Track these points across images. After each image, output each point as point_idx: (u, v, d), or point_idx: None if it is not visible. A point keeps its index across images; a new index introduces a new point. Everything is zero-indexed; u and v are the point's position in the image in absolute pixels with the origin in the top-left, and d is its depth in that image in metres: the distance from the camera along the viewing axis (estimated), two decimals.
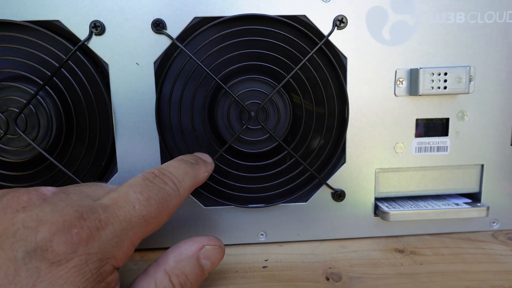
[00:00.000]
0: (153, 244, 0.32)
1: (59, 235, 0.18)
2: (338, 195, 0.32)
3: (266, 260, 0.30)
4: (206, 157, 0.29)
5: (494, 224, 0.34)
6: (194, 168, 0.26)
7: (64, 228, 0.18)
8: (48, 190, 0.20)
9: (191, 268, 0.22)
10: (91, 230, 0.18)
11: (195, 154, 0.29)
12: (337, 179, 0.32)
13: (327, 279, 0.27)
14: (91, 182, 0.26)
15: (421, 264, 0.29)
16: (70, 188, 0.22)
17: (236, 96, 0.30)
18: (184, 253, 0.22)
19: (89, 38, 0.29)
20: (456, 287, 0.25)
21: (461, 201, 0.34)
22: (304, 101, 0.31)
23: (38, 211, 0.18)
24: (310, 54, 0.30)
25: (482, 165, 0.33)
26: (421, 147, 0.32)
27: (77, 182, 0.30)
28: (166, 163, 0.25)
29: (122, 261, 0.20)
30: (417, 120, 0.32)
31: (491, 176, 0.33)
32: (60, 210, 0.19)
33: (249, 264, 0.29)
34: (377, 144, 0.32)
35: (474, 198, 0.34)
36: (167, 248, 0.33)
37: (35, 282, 0.16)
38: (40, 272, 0.17)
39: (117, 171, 0.31)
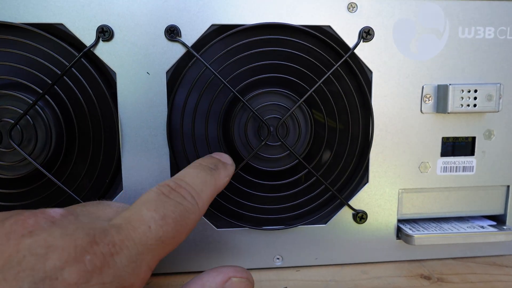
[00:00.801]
0: (159, 269, 0.29)
1: (70, 262, 0.15)
2: (360, 217, 0.30)
3: None
4: (226, 158, 0.26)
5: None
6: (213, 174, 0.23)
7: (76, 254, 0.16)
8: (56, 212, 0.18)
9: None
10: (105, 256, 0.16)
11: (213, 155, 0.26)
12: (359, 200, 0.30)
13: None
14: (96, 200, 0.23)
15: None
16: (78, 209, 0.20)
17: (255, 110, 0.28)
18: (207, 286, 0.20)
19: (95, 44, 0.27)
20: None
21: (485, 223, 0.32)
22: (326, 117, 0.29)
23: (46, 236, 0.16)
24: (335, 67, 0.28)
25: (508, 186, 0.32)
26: (446, 166, 0.31)
27: (78, 201, 0.28)
28: (182, 172, 0.23)
29: None
30: (442, 138, 0.30)
31: None
32: (70, 234, 0.16)
33: None
34: (402, 163, 0.30)
35: (498, 220, 0.33)
36: (174, 274, 0.31)
37: None
38: None
39: (122, 189, 0.28)
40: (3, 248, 0.15)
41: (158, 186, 0.21)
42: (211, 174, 0.23)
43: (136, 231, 0.18)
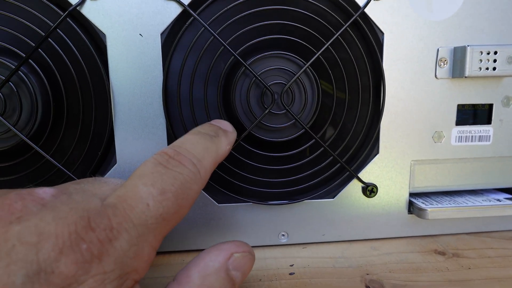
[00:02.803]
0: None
1: (66, 252, 0.14)
2: (370, 190, 0.29)
3: (291, 266, 0.26)
4: (226, 125, 0.24)
5: None
6: (215, 141, 0.21)
7: (71, 242, 0.14)
8: (46, 192, 0.16)
9: (221, 283, 0.18)
10: (102, 243, 0.14)
11: (212, 122, 0.24)
12: (369, 172, 0.29)
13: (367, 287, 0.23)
14: (91, 177, 0.21)
15: (470, 268, 0.25)
16: (71, 187, 0.18)
17: (258, 75, 0.26)
18: (211, 266, 0.18)
19: (82, 2, 0.24)
20: None
21: (501, 196, 0.31)
22: (334, 83, 0.27)
23: (37, 221, 0.14)
24: (343, 28, 0.26)
25: None
26: (461, 136, 0.29)
27: (68, 175, 0.26)
28: (180, 139, 0.21)
29: (144, 271, 0.16)
30: (458, 106, 0.29)
31: None
32: (64, 217, 0.15)
33: (273, 271, 0.25)
34: (414, 133, 0.28)
35: None
36: (173, 252, 0.29)
37: None
38: None
39: (116, 162, 0.26)
40: None
41: (155, 156, 0.19)
42: (211, 140, 0.21)
43: (134, 211, 0.16)
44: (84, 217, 0.15)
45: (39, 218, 0.14)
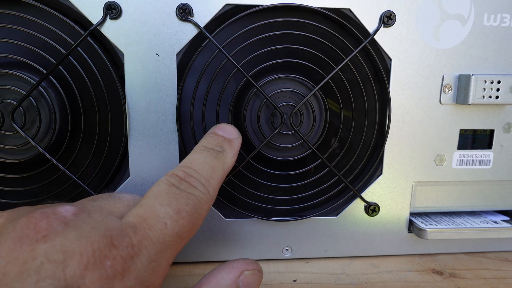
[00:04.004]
0: None
1: (91, 269, 0.15)
2: (372, 209, 0.30)
3: (294, 281, 0.27)
4: (231, 132, 0.24)
5: None
6: (220, 158, 0.22)
7: (95, 260, 0.15)
8: (67, 211, 0.17)
9: None
10: (125, 260, 0.15)
11: (217, 130, 0.24)
12: (372, 192, 0.30)
13: None
14: (105, 193, 0.22)
15: None
16: (88, 205, 0.19)
17: (269, 97, 0.26)
18: (222, 284, 0.19)
19: (102, 22, 0.25)
20: None
21: (498, 218, 0.32)
22: (342, 106, 0.28)
23: (62, 240, 0.15)
24: (353, 54, 0.27)
25: None
26: (463, 160, 0.30)
27: (82, 187, 0.27)
28: (188, 158, 0.22)
29: (160, 285, 0.18)
30: (460, 130, 0.29)
31: None
32: (86, 237, 0.15)
33: (277, 285, 0.26)
34: (417, 155, 0.29)
35: (510, 215, 0.32)
36: (181, 263, 0.30)
37: None
38: None
39: (129, 176, 0.27)
40: (17, 254, 0.15)
41: (166, 177, 0.20)
42: (217, 157, 0.22)
43: (153, 229, 0.17)
44: (107, 236, 0.16)
45: (63, 236, 0.15)
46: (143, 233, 0.17)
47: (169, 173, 0.20)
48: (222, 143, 0.23)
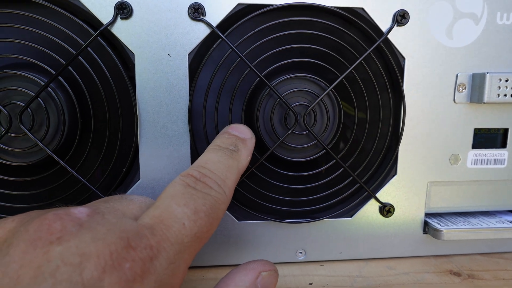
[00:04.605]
0: None
1: (109, 272, 0.14)
2: (387, 210, 0.29)
3: (310, 284, 0.26)
4: (245, 132, 0.24)
5: None
6: (235, 157, 0.22)
7: (113, 262, 0.14)
8: (81, 212, 0.16)
9: None
10: (144, 262, 0.15)
11: (231, 130, 0.24)
12: (386, 193, 0.29)
13: None
14: (117, 195, 0.21)
15: None
16: (102, 206, 0.18)
17: (282, 97, 0.26)
18: (241, 286, 0.18)
19: (113, 21, 0.25)
20: None
21: None
22: (356, 105, 0.28)
23: (77, 242, 0.14)
24: (367, 53, 0.26)
25: None
26: (477, 159, 0.30)
27: (92, 190, 0.26)
28: (202, 158, 0.21)
29: (179, 287, 0.17)
30: (474, 130, 0.29)
31: None
32: (102, 238, 0.15)
33: None
34: (432, 155, 0.29)
35: None
36: (193, 268, 0.29)
37: None
38: None
39: (139, 178, 0.27)
40: (31, 257, 0.14)
41: (181, 177, 0.19)
42: (232, 157, 0.22)
43: (171, 230, 0.16)
44: (123, 238, 0.15)
45: (78, 238, 0.15)
46: (160, 234, 0.16)
47: (183, 174, 0.20)
48: (237, 143, 0.23)
